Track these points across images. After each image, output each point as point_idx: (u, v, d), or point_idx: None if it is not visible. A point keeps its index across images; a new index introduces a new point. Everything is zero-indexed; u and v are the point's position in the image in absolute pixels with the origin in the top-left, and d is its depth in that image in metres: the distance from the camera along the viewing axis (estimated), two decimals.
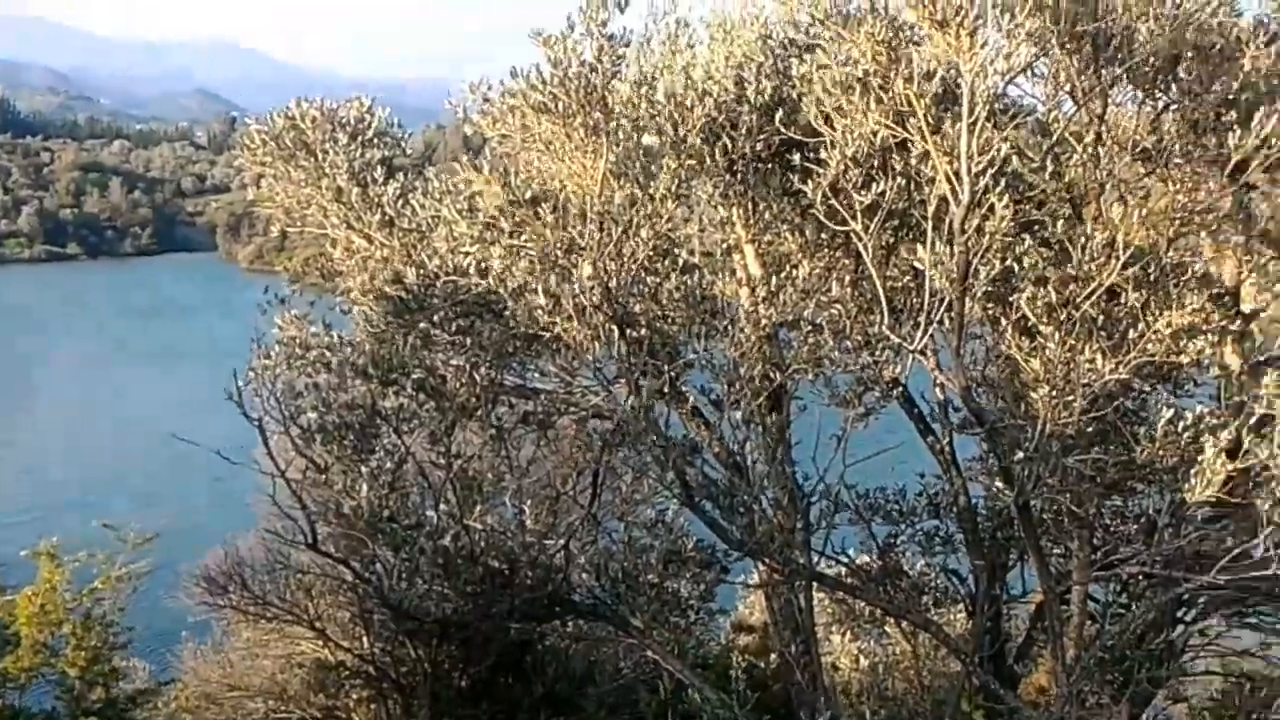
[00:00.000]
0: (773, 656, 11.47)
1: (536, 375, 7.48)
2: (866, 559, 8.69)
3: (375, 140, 7.98)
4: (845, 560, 8.61)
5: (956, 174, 5.66)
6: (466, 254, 6.87)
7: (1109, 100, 6.32)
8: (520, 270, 6.62)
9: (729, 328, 6.79)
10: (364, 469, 7.14)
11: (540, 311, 6.48)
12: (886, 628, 10.88)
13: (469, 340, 7.17)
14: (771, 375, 7.06)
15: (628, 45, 6.66)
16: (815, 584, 8.15)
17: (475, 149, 8.31)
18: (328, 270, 8.11)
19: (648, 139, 6.81)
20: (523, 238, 6.63)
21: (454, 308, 7.10)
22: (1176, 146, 6.58)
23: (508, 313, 6.83)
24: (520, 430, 7.96)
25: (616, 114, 6.67)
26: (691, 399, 7.59)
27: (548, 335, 6.64)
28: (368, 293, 7.48)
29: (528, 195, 6.52)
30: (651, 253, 6.63)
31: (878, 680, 11.44)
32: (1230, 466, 5.81)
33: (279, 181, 7.94)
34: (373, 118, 8.01)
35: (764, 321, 6.68)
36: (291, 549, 9.15)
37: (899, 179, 5.96)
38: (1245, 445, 6.00)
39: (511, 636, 9.51)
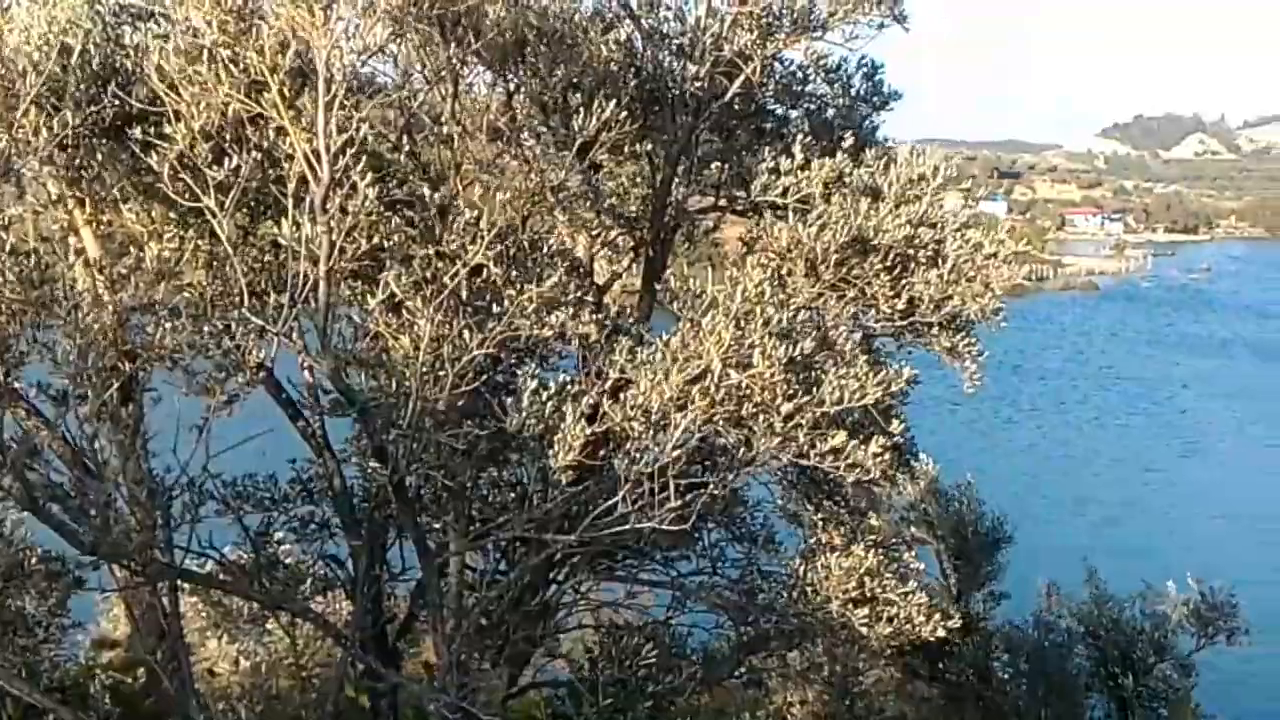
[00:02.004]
0: (141, 670, 10.96)
1: None
2: (241, 553, 8.56)
3: None
4: (216, 556, 8.42)
5: (315, 152, 5.74)
6: None
7: (461, 81, 6.75)
8: None
9: (73, 315, 6.35)
10: None
11: None
12: (269, 625, 10.81)
13: None
14: (122, 365, 6.71)
15: None
16: (181, 584, 7.92)
17: None
18: None
19: None
20: None
21: None
22: (528, 128, 7.22)
23: None
24: None
25: None
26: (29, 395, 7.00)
27: None
28: None
29: None
30: None
31: (260, 680, 11.35)
32: (589, 431, 6.52)
33: None
34: None
35: (111, 308, 6.34)
36: None
37: (255, 154, 5.92)
38: (603, 409, 6.77)
39: None
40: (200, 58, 5.70)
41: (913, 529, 17.95)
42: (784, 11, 7.57)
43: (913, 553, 16.24)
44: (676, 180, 8.03)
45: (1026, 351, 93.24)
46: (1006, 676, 17.38)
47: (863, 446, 7.24)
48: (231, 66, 5.73)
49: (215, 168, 5.82)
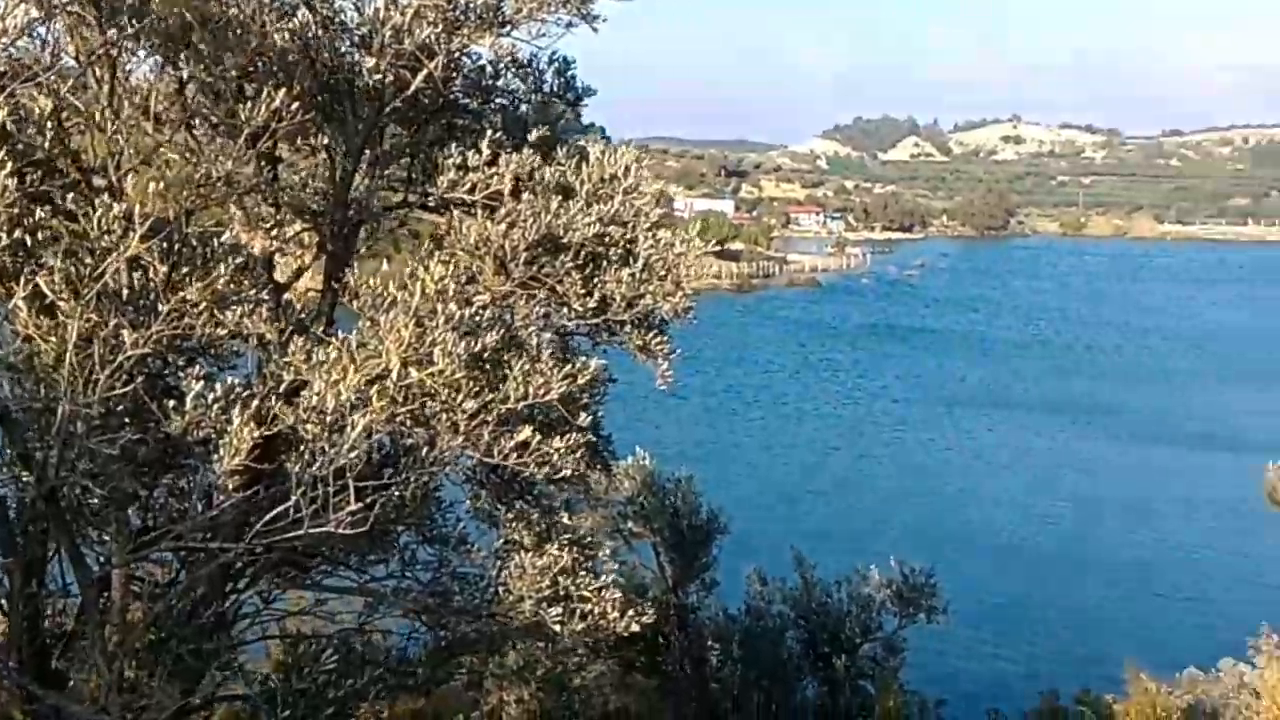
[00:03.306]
0: None
1: None
2: None
3: None
4: None
5: None
6: None
7: (121, 66, 6.46)
8: None
9: None
10: None
11: None
12: None
13: None
14: None
15: None
16: None
17: None
18: None
19: None
20: None
21: None
22: (199, 116, 6.97)
23: None
24: None
25: None
26: None
27: None
28: None
29: None
30: None
31: None
32: (257, 433, 6.35)
33: None
34: None
35: None
36: None
37: None
38: (274, 412, 6.60)
39: None
40: None
41: (630, 524, 18.37)
42: (469, 6, 7.59)
43: (613, 547, 16.64)
44: (360, 175, 7.92)
45: (751, 345, 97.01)
46: (720, 664, 18.04)
47: (549, 442, 7.36)
48: None
49: None
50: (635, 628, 8.88)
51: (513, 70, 8.68)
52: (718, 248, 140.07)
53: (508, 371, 7.16)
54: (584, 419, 7.73)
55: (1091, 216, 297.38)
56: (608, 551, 10.22)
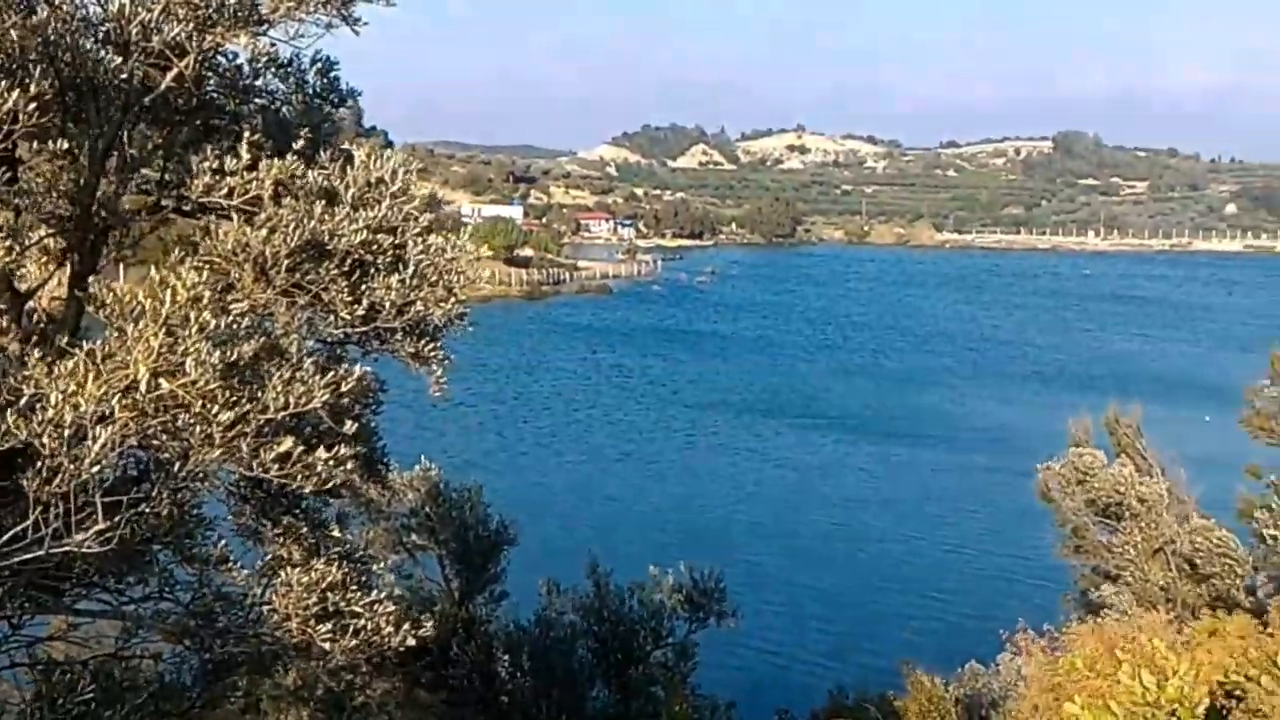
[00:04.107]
0: None
1: None
2: None
3: None
4: None
5: None
6: None
7: None
8: None
9: None
10: None
11: None
12: None
13: None
14: None
15: None
16: None
17: None
18: None
19: None
20: None
21: None
22: None
23: None
24: None
25: None
26: None
27: None
28: None
29: None
30: None
31: None
32: None
33: None
34: None
35: None
36: None
37: None
38: (5, 426, 6.27)
39: None
40: None
41: (414, 536, 18.17)
42: (223, 3, 7.40)
43: (396, 561, 16.46)
44: (106, 178, 7.62)
45: (541, 352, 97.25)
46: (510, 676, 18.02)
47: (313, 453, 7.23)
48: None
49: None
50: (411, 642, 8.79)
51: (273, 71, 8.50)
52: (507, 254, 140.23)
53: (267, 381, 7.01)
54: (351, 427, 7.62)
55: (875, 225, 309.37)
56: (384, 565, 10.10)
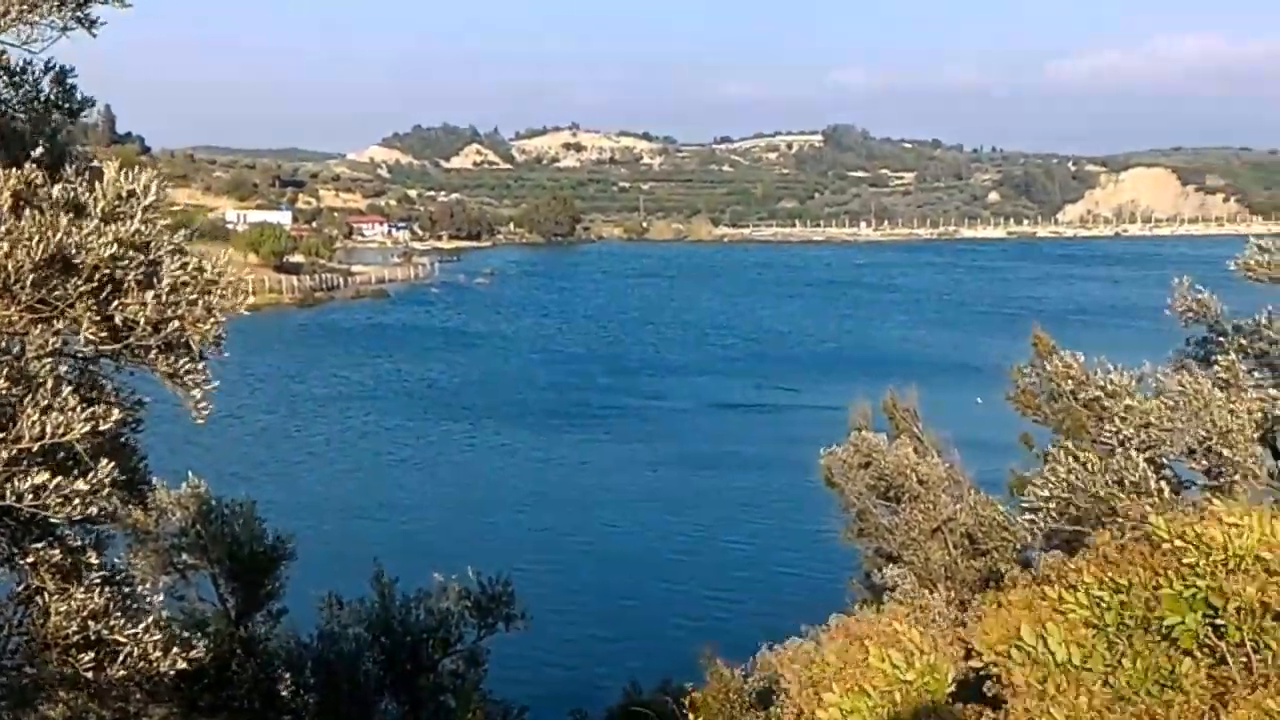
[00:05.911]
0: None
1: None
2: None
3: None
4: None
5: None
6: None
7: None
8: None
9: None
10: None
11: None
12: None
13: None
14: None
15: None
16: None
17: None
18: None
19: None
20: None
21: None
22: None
23: None
24: None
25: None
26: None
27: None
28: None
29: None
30: None
31: None
32: None
33: None
34: None
35: None
36: None
37: None
38: None
39: None
40: None
41: (185, 556, 17.63)
42: None
43: (167, 583, 16.04)
44: None
45: (314, 360, 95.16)
46: (293, 693, 17.70)
47: (73, 483, 7.07)
48: None
49: None
50: (183, 665, 8.64)
51: (3, 80, 8.19)
52: (277, 260, 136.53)
53: (19, 410, 6.81)
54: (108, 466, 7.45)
55: (653, 221, 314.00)
56: (154, 588, 9.86)
